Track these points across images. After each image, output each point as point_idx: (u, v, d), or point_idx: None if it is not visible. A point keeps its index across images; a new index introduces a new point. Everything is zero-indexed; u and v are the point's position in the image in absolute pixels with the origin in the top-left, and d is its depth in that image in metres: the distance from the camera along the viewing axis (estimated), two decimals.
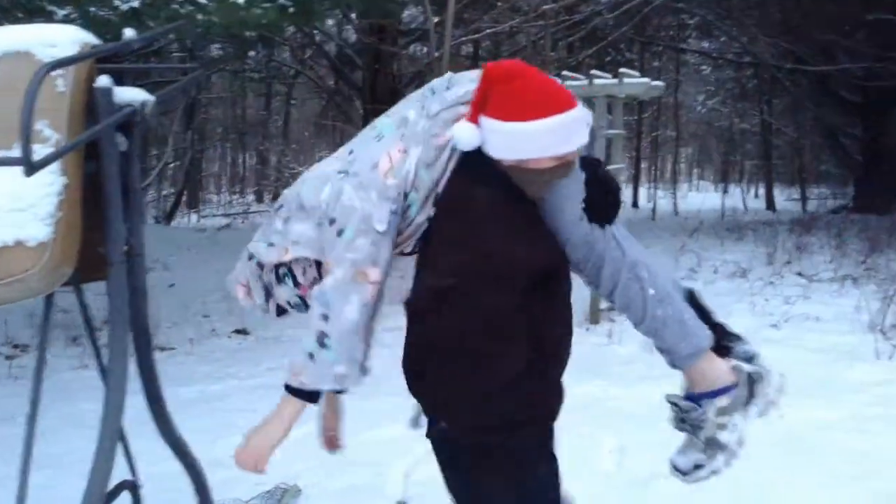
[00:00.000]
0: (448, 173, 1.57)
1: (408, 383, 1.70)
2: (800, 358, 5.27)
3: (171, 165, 17.37)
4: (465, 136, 1.55)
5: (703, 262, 9.50)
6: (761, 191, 30.72)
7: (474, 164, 1.56)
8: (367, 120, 16.06)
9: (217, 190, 32.55)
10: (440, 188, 1.57)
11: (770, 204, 23.23)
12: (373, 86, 14.61)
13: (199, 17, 5.40)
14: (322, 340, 1.58)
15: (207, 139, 28.87)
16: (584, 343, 5.94)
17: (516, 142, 1.52)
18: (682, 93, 28.29)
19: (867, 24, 14.32)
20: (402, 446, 3.30)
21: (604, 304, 6.69)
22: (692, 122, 35.03)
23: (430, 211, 1.59)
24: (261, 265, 1.75)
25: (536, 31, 12.06)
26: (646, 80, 6.27)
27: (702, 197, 29.46)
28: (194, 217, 21.47)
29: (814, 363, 5.17)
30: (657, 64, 23.73)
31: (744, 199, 23.61)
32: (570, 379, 3.25)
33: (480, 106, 1.54)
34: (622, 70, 6.46)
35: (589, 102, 6.66)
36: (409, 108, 1.64)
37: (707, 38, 22.26)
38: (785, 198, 25.90)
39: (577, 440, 3.79)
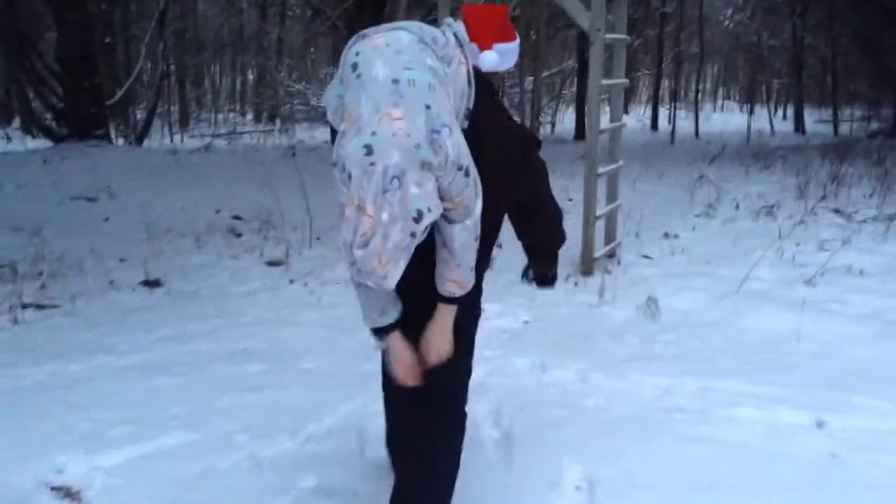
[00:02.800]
0: (473, 95, 2.02)
1: None
2: (843, 333, 4.08)
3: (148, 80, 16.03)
4: (493, 58, 2.13)
5: (723, 196, 8.22)
6: (790, 112, 28.97)
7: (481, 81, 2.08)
8: (353, 30, 14.78)
9: (214, 108, 31.19)
10: (470, 104, 2.01)
11: (799, 126, 21.58)
12: None
13: None
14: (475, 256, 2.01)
15: (195, 54, 27.57)
16: (570, 303, 4.79)
17: (514, 55, 2.21)
18: (707, 5, 26.23)
19: None
20: None
21: (599, 252, 5.49)
22: (717, 38, 32.90)
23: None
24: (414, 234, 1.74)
25: None
26: None
27: (725, 119, 27.72)
28: (180, 137, 20.21)
29: (862, 340, 3.98)
30: None
31: (771, 120, 21.92)
32: (538, 360, 3.40)
33: (497, 36, 2.14)
34: None
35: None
36: (423, 57, 1.87)
37: None
38: (815, 120, 24.09)
39: (531, 468, 2.68)
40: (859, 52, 17.90)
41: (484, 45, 2.10)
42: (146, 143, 18.33)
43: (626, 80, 5.73)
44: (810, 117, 23.70)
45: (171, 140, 19.44)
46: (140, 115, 19.68)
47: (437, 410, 2.16)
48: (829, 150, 12.73)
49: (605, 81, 5.25)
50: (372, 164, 1.68)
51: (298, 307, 4.70)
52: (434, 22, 4.24)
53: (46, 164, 10.90)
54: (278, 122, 26.54)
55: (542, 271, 2.52)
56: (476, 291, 2.12)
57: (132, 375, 3.60)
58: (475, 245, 1.98)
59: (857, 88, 24.76)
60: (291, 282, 5.26)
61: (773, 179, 9.48)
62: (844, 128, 20.24)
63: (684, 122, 22.09)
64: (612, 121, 5.69)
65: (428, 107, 1.78)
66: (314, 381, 3.53)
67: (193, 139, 20.81)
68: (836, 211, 7.31)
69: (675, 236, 6.46)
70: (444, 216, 1.89)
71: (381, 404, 2.57)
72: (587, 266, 5.36)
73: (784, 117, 28.73)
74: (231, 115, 31.91)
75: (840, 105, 21.89)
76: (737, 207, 7.72)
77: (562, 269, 5.12)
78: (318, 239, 6.33)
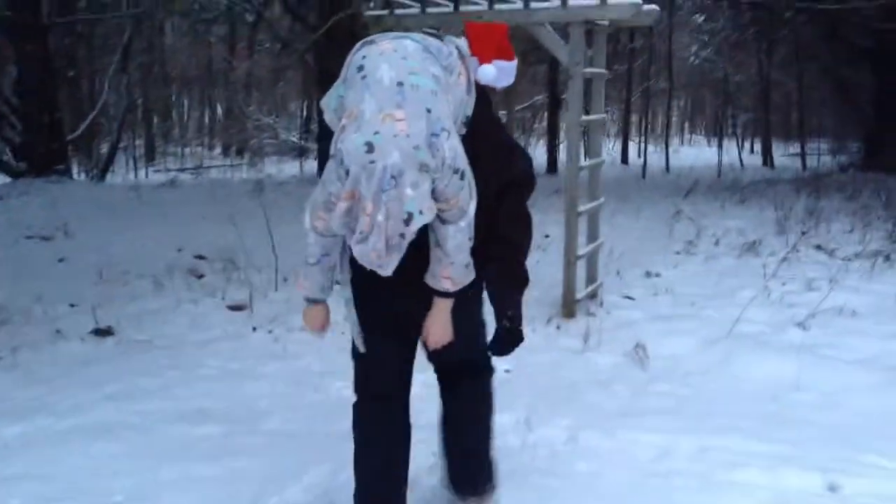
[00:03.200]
0: (472, 104, 2.14)
1: None
2: (844, 381, 3.84)
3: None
4: (492, 72, 2.26)
5: (702, 232, 8.04)
6: (757, 146, 29.28)
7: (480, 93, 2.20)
8: (322, 63, 14.62)
9: (182, 142, 30.79)
10: (469, 112, 2.13)
11: (767, 160, 21.75)
12: (329, 28, 13.19)
13: None
14: (469, 254, 2.11)
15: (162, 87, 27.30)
16: (553, 348, 4.51)
17: (512, 72, 2.33)
18: (674, 41, 26.47)
19: None
20: None
21: (581, 293, 5.24)
22: (684, 74, 33.27)
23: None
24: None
25: None
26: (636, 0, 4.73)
27: (694, 152, 27.90)
28: (145, 172, 19.76)
29: (865, 389, 3.74)
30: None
31: (740, 154, 22.10)
32: (524, 416, 3.21)
33: (496, 53, 2.27)
34: None
35: (562, 33, 5.12)
36: (427, 64, 1.97)
37: None
38: (781, 154, 24.30)
39: None
40: (828, 87, 18.07)
41: (483, 59, 2.23)
42: (109, 178, 17.88)
43: (603, 115, 5.53)
44: (777, 151, 23.90)
45: (136, 175, 18.98)
46: (105, 149, 19.27)
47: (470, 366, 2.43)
48: (803, 184, 12.72)
49: (584, 117, 5.05)
50: (372, 161, 1.76)
51: (261, 358, 4.35)
52: None
53: (2, 201, 10.46)
54: (247, 156, 26.23)
55: (505, 307, 2.23)
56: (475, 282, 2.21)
57: (74, 440, 3.23)
58: (469, 245, 2.08)
59: (822, 122, 25.10)
60: (255, 329, 4.91)
61: (749, 214, 9.34)
62: (812, 161, 20.41)
63: (654, 157, 22.16)
64: (590, 157, 5.47)
65: (429, 111, 1.86)
66: (277, 444, 3.19)
67: (159, 174, 20.37)
68: (819, 247, 7.16)
69: (658, 275, 6.24)
70: (439, 216, 1.96)
71: (350, 471, 2.31)
72: (569, 308, 5.10)
73: (752, 151, 29.03)
74: (199, 148, 31.53)
75: (806, 139, 22.07)
76: (717, 244, 7.54)
77: (543, 312, 4.85)
78: (286, 280, 6.00)
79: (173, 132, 34.61)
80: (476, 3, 5.13)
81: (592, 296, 5.45)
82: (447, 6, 5.17)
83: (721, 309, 5.13)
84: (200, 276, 6.30)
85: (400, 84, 1.85)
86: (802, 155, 20.92)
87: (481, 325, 2.41)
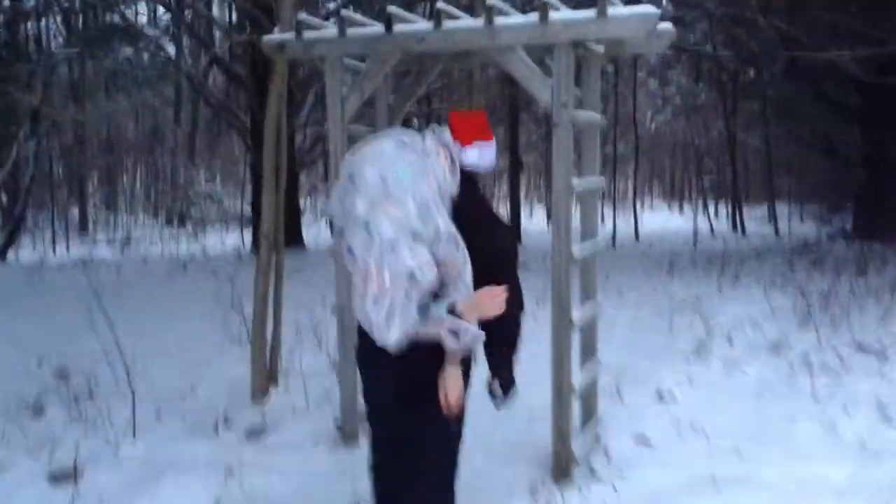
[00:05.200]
0: (457, 183, 2.38)
1: None
2: None
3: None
4: (473, 154, 2.43)
5: (708, 326, 6.48)
6: (721, 210, 28.34)
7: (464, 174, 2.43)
8: (257, 123, 13.15)
9: (128, 210, 28.93)
10: (454, 190, 2.35)
11: (737, 226, 20.59)
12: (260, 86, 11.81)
13: None
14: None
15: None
16: None
17: (491, 152, 2.49)
18: (626, 107, 25.68)
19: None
20: None
21: (577, 440, 3.57)
22: (642, 138, 32.64)
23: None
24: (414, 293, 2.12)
25: None
26: (648, 8, 3.21)
27: (660, 218, 26.82)
28: (65, 247, 17.74)
29: None
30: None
31: (710, 221, 20.95)
32: None
33: (477, 134, 2.45)
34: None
35: (540, 63, 3.57)
36: (403, 155, 2.28)
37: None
38: (747, 217, 23.10)
39: None
40: (808, 147, 16.99)
41: (465, 142, 2.42)
42: (21, 255, 15.90)
43: (601, 179, 3.97)
44: (745, 214, 22.77)
45: (55, 251, 16.96)
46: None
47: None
48: (795, 257, 11.38)
49: (576, 181, 3.47)
50: (371, 236, 2.12)
51: None
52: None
53: None
54: (189, 224, 24.38)
55: (501, 372, 2.47)
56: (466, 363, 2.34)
57: None
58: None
59: (791, 185, 24.20)
60: None
61: (754, 297, 7.83)
62: (783, 226, 19.28)
63: (619, 223, 20.87)
64: (584, 237, 3.89)
65: (413, 194, 2.17)
66: None
67: (84, 247, 18.42)
68: (861, 348, 5.63)
69: (671, 395, 4.61)
70: (441, 280, 2.19)
71: None
72: (562, 466, 3.43)
73: (716, 215, 28.03)
74: (142, 217, 29.64)
75: (775, 202, 21.00)
76: (730, 342, 5.97)
77: (523, 473, 3.16)
78: (159, 420, 4.24)
79: (116, 201, 32.80)
80: (413, 23, 3.59)
81: (593, 440, 3.81)
82: (375, 27, 3.62)
83: (782, 463, 3.52)
84: (39, 410, 4.48)
85: (384, 178, 2.17)
86: (774, 220, 19.82)
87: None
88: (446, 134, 2.40)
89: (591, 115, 3.63)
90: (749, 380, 4.97)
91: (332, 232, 2.57)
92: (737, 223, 20.78)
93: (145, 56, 16.70)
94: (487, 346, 2.36)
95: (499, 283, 2.23)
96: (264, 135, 4.57)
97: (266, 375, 4.58)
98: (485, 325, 2.24)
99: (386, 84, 4.00)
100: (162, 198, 30.93)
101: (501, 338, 2.41)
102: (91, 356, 5.41)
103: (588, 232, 3.86)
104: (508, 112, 17.29)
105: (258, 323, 4.50)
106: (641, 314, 7.18)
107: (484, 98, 15.64)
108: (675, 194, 39.68)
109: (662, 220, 26.20)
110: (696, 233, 16.28)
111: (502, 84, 16.10)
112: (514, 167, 17.31)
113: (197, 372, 5.25)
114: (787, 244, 14.12)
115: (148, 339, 6.10)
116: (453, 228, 2.17)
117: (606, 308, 7.21)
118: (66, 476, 3.46)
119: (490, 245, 2.36)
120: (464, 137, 2.40)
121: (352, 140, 3.58)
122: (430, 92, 17.02)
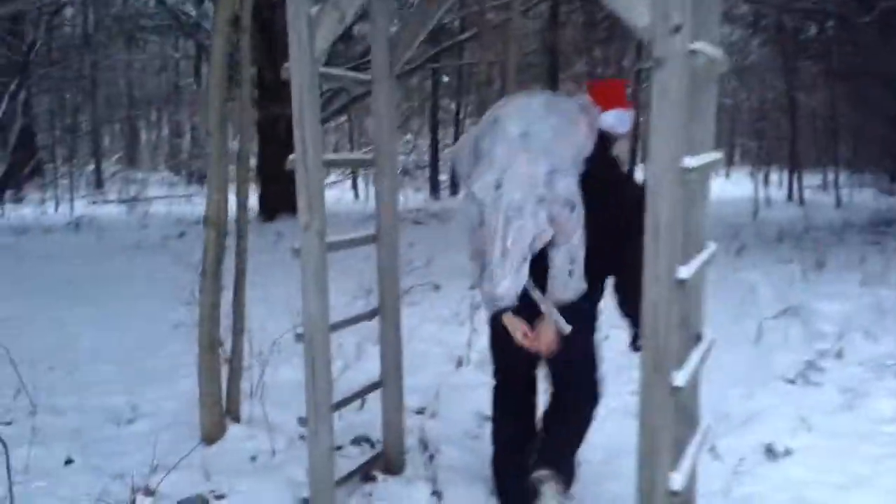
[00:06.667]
0: (591, 146, 2.52)
1: None
2: None
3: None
4: (610, 119, 2.61)
5: (807, 332, 5.11)
6: (772, 177, 26.42)
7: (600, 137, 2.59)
8: (262, 79, 11.86)
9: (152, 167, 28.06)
10: (587, 153, 2.49)
11: (792, 194, 18.86)
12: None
13: None
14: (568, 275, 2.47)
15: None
16: None
17: (628, 119, 2.69)
18: None
19: None
20: None
21: None
22: None
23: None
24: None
25: None
26: None
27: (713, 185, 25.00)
28: (70, 205, 16.67)
29: None
30: None
31: (766, 189, 19.21)
32: None
33: (615, 102, 2.63)
34: None
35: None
36: (547, 115, 2.47)
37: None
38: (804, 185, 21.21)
39: None
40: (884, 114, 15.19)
41: (604, 108, 2.61)
42: (21, 210, 14.92)
43: (719, 154, 2.58)
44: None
45: (57, 207, 15.90)
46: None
47: (577, 380, 2.75)
48: (879, 234, 9.88)
49: (688, 160, 2.12)
50: (499, 195, 2.34)
51: None
52: None
53: None
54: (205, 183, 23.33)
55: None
56: (591, 304, 2.66)
57: None
58: (569, 268, 2.45)
59: (857, 151, 22.26)
60: None
61: (849, 288, 6.41)
62: (845, 195, 17.54)
63: None
64: (687, 247, 2.55)
65: (547, 154, 2.38)
66: None
67: (95, 206, 17.39)
68: None
69: (788, 455, 3.29)
70: (550, 241, 2.42)
71: None
72: None
73: (766, 182, 26.13)
74: (166, 173, 28.69)
75: (837, 169, 19.18)
76: (840, 356, 4.62)
77: None
78: (70, 464, 3.05)
79: (139, 157, 31.94)
80: None
81: None
82: None
83: None
84: None
85: (524, 134, 2.41)
86: (837, 190, 18.05)
87: (591, 359, 2.76)
88: (586, 99, 2.59)
89: (714, 52, 2.24)
90: (878, 415, 3.64)
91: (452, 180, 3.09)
92: (792, 192, 19.10)
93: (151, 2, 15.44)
94: (623, 306, 2.69)
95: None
96: (211, 59, 3.25)
97: (219, 413, 3.33)
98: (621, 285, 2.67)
99: (383, 5, 2.67)
100: (177, 155, 30.07)
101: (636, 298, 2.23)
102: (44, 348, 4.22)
103: (693, 238, 2.50)
104: (548, 68, 15.57)
105: (206, 345, 3.24)
106: (716, 314, 5.82)
107: (523, 50, 14.07)
108: (727, 159, 37.70)
109: (714, 187, 24.45)
110: (756, 202, 14.68)
111: (542, 34, 14.53)
112: None
113: (141, 391, 4.05)
114: (859, 217, 12.53)
115: (91, 335, 4.93)
116: (575, 193, 2.39)
117: None
118: None
119: (618, 203, 2.50)
120: (604, 103, 2.60)
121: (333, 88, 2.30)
122: (461, 43, 15.52)
